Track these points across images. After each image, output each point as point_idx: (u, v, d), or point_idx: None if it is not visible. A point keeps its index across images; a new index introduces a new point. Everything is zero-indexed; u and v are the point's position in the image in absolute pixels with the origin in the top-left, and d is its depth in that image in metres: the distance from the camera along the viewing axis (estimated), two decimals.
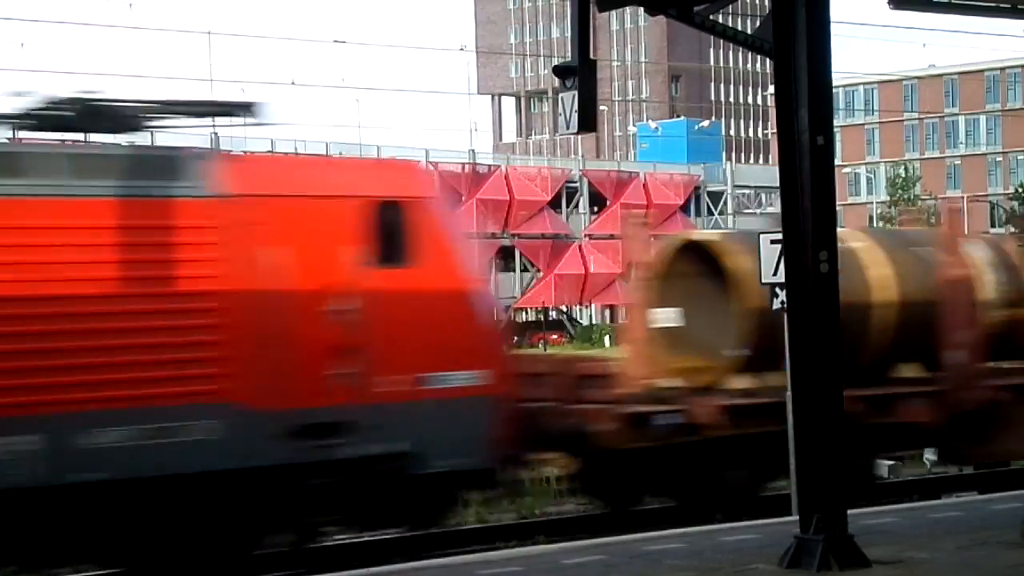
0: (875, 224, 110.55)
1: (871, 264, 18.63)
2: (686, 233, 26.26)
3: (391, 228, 14.19)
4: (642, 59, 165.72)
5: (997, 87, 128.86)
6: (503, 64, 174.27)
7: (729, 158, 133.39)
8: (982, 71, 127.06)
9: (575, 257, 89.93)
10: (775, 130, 11.45)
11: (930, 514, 14.01)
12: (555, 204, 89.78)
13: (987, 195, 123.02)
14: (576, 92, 11.85)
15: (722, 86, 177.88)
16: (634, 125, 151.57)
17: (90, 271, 13.01)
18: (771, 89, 24.30)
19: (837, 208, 11.55)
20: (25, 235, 12.88)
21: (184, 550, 13.60)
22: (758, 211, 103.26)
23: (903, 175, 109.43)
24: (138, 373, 13.06)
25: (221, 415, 13.28)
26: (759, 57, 35.04)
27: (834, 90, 11.54)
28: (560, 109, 12.05)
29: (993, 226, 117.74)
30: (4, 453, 12.58)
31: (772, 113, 52.63)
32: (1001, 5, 13.30)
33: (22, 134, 13.91)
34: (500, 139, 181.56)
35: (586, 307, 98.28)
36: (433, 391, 14.23)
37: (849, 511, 11.12)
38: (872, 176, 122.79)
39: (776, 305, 15.85)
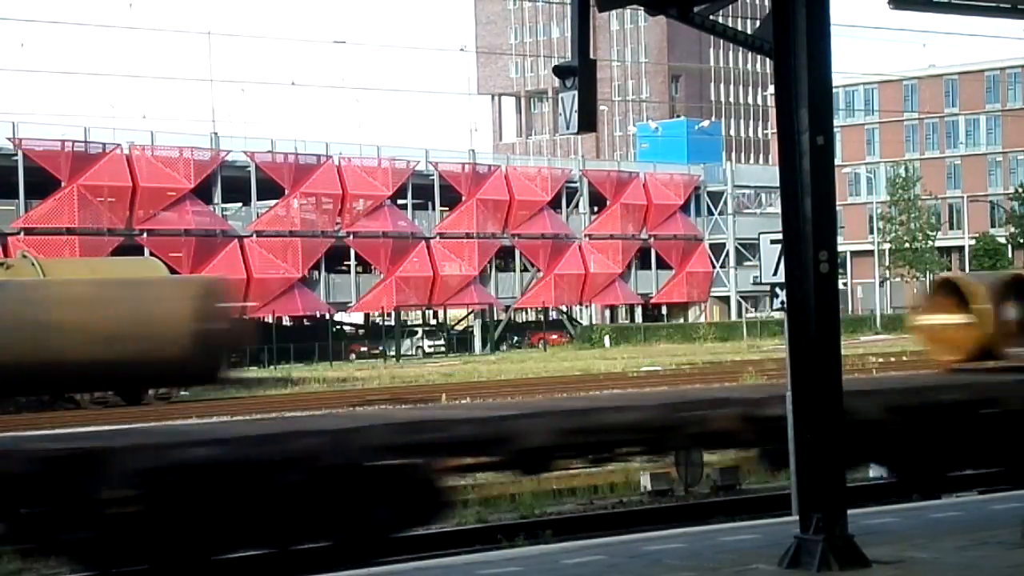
0: (876, 225, 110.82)
1: None
2: None
3: None
4: (642, 59, 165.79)
5: (997, 87, 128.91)
6: (503, 64, 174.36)
7: (729, 158, 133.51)
8: (982, 71, 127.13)
9: (575, 257, 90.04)
10: (775, 130, 11.45)
11: (930, 514, 14.01)
12: (555, 204, 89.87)
13: (987, 195, 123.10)
14: (576, 92, 11.84)
15: (722, 86, 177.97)
16: (634, 125, 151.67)
17: None
18: (771, 89, 24.32)
19: (837, 208, 11.54)
20: None
21: None
22: (758, 211, 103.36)
23: (903, 175, 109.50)
24: None
25: None
26: (759, 57, 35.07)
27: (834, 90, 11.54)
28: (560, 109, 12.04)
29: (993, 226, 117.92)
30: None
31: (772, 113, 52.72)
32: (1001, 5, 13.30)
33: None
34: (500, 139, 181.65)
35: (586, 307, 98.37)
36: None
37: (849, 511, 11.12)
38: (872, 176, 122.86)
39: (776, 305, 15.87)
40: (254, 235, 73.84)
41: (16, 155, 66.03)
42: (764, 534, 12.76)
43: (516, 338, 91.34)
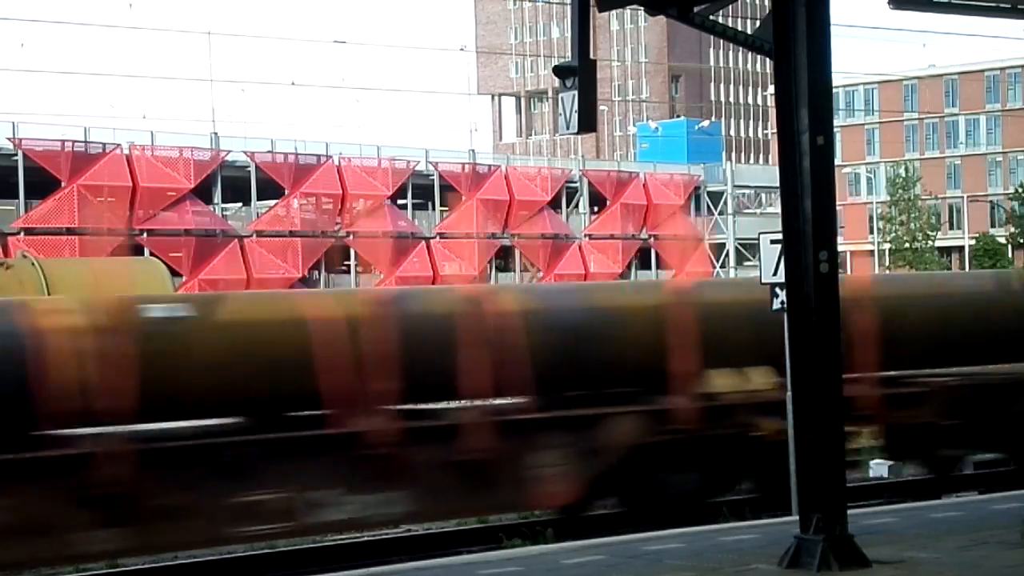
0: (876, 225, 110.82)
1: None
2: None
3: None
4: (642, 59, 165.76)
5: (997, 87, 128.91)
6: (503, 64, 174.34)
7: (729, 158, 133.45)
8: (982, 71, 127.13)
9: (575, 257, 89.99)
10: (775, 130, 11.45)
11: (930, 514, 14.01)
12: (555, 204, 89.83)
13: (987, 195, 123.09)
14: (576, 92, 11.84)
15: (722, 86, 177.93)
16: (634, 125, 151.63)
17: None
18: (771, 89, 24.32)
19: (837, 208, 11.54)
20: None
21: None
22: (758, 211, 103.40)
23: (903, 175, 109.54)
24: None
25: None
26: (759, 57, 35.09)
27: (834, 90, 11.54)
28: (560, 109, 12.05)
29: (993, 226, 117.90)
30: None
31: (772, 113, 52.73)
32: (1001, 5, 13.30)
33: None
34: (500, 139, 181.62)
35: None
36: None
37: (849, 511, 11.12)
38: (872, 176, 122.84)
39: (776, 305, 15.87)
40: (254, 235, 73.83)
41: (16, 155, 66.01)
42: (764, 534, 12.76)
43: None
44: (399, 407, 15.61)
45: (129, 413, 13.88)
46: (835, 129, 15.20)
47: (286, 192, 75.83)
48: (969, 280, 24.51)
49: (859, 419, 17.84)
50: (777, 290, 15.75)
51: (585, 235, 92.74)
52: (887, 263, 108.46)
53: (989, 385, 19.34)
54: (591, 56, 12.04)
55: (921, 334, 18.80)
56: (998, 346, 19.78)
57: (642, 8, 12.67)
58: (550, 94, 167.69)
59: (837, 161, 15.46)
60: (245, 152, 74.80)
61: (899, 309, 17.83)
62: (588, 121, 11.91)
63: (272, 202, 77.24)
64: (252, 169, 74.40)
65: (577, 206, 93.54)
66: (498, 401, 16.55)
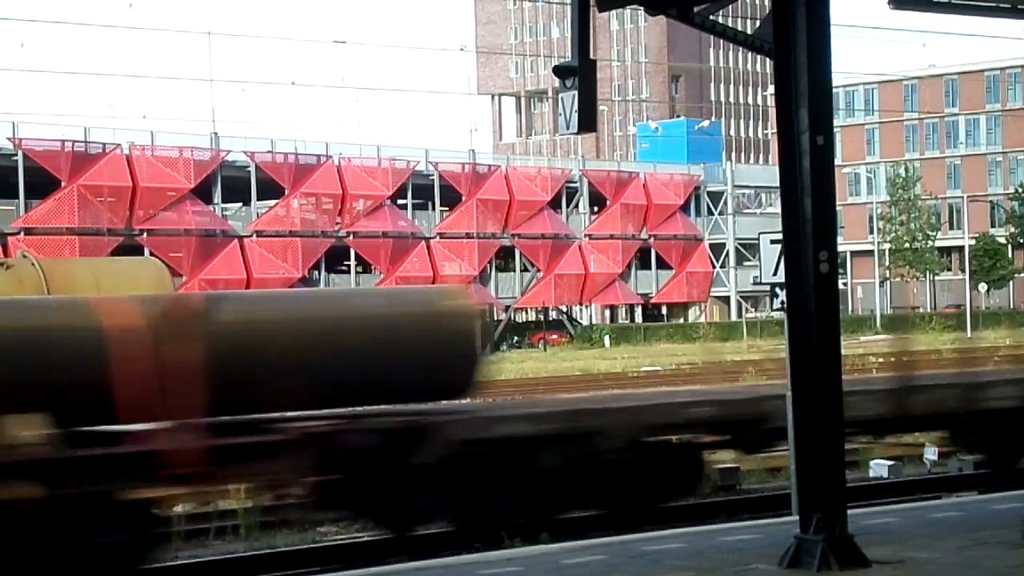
0: (876, 225, 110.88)
1: None
2: None
3: None
4: (642, 59, 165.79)
5: (997, 87, 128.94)
6: (503, 64, 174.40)
7: (729, 158, 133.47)
8: (982, 71, 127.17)
9: (575, 257, 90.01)
10: (775, 130, 11.45)
11: (930, 514, 14.01)
12: (555, 204, 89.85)
13: (987, 195, 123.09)
14: (576, 92, 11.84)
15: (722, 86, 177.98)
16: (634, 125, 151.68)
17: None
18: (771, 89, 24.34)
19: (837, 208, 11.54)
20: None
21: None
22: (758, 211, 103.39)
23: (903, 175, 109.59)
24: None
25: None
26: (759, 57, 35.10)
27: (834, 90, 11.54)
28: (560, 109, 12.04)
29: (993, 226, 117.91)
30: None
31: (772, 113, 52.72)
32: (1001, 5, 13.29)
33: None
34: (500, 139, 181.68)
35: (586, 307, 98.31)
36: None
37: (849, 511, 11.12)
38: (872, 176, 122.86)
39: (776, 305, 15.89)
40: (254, 235, 73.86)
41: (16, 155, 66.07)
42: (764, 534, 12.77)
43: (516, 338, 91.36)
44: None
45: None
46: (835, 129, 15.12)
47: (286, 192, 75.81)
48: (369, 299, 19.23)
49: (174, 480, 13.77)
50: (777, 290, 15.77)
51: (585, 235, 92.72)
52: (887, 263, 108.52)
53: (384, 431, 15.25)
54: (591, 56, 12.04)
55: (276, 367, 14.58)
56: (407, 381, 15.61)
57: (642, 8, 12.67)
58: (550, 94, 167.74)
59: (837, 161, 15.45)
60: (245, 152, 74.84)
61: (242, 335, 14.45)
62: (588, 121, 11.91)
63: (272, 202, 77.23)
64: (252, 169, 74.41)
65: (577, 206, 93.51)
66: None
